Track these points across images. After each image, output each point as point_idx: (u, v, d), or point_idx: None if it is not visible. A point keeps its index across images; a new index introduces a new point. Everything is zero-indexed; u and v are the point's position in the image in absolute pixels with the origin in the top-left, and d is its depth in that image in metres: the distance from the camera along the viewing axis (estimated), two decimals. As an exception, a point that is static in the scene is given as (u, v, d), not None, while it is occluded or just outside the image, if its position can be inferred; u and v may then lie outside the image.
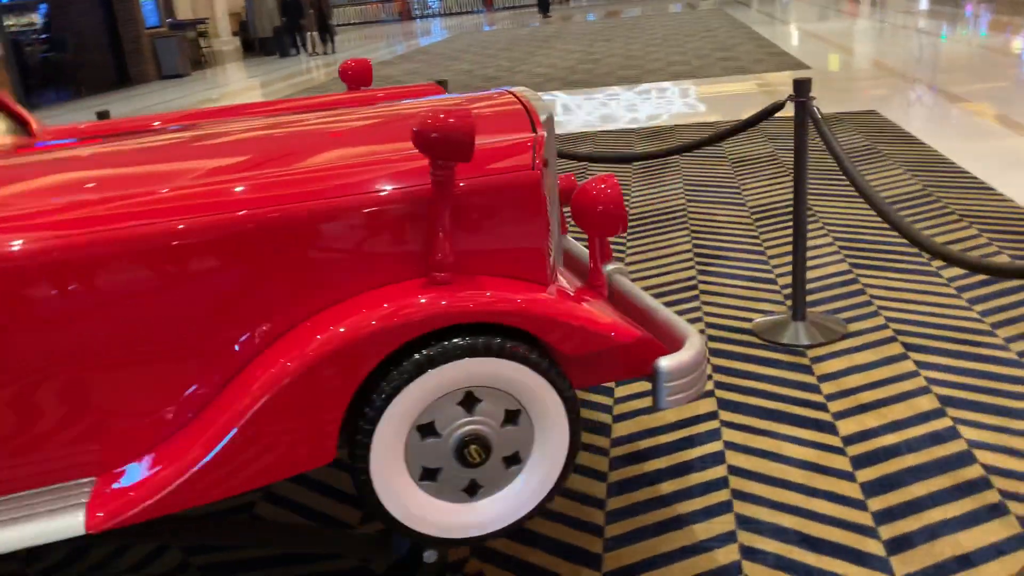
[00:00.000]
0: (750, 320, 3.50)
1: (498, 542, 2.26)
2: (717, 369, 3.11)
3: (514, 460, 1.73)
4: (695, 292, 3.84)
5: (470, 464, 1.65)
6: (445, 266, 1.63)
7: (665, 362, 1.81)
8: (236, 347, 1.59)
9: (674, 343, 1.93)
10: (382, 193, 1.63)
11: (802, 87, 3.06)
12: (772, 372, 3.05)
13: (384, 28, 31.08)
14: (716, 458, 2.57)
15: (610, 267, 2.33)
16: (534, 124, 2.07)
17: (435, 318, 1.56)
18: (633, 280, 4.03)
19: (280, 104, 2.71)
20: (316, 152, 1.71)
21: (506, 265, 1.73)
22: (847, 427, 2.67)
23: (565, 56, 14.77)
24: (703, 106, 8.64)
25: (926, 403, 2.76)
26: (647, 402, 2.93)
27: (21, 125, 2.69)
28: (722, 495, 2.40)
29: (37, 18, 20.44)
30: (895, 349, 3.14)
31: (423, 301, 1.57)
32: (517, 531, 2.28)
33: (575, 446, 1.75)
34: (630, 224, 4.94)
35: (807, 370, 3.04)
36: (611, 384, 3.07)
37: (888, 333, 3.27)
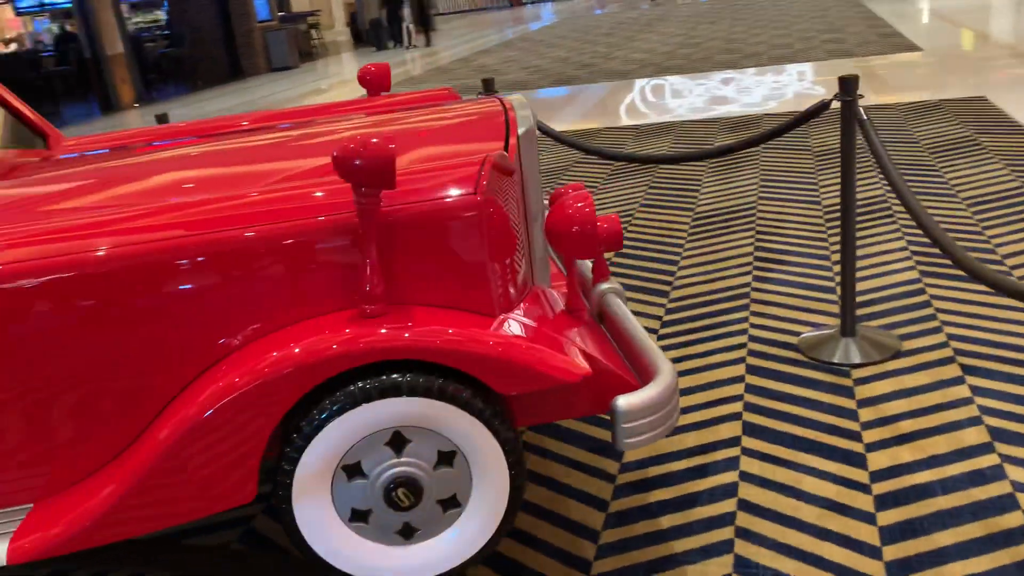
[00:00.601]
0: (798, 334, 3.27)
1: (478, 570, 2.17)
2: (749, 389, 2.91)
3: (452, 503, 1.63)
4: (745, 301, 3.62)
5: (400, 508, 1.57)
6: (375, 298, 1.54)
7: (623, 401, 1.67)
8: (162, 382, 1.55)
9: (648, 376, 1.79)
10: (308, 222, 1.56)
11: (848, 85, 2.82)
12: (808, 394, 2.83)
13: (493, 15, 31.14)
14: (727, 491, 2.39)
15: (604, 287, 2.20)
16: (508, 137, 1.96)
17: (351, 356, 1.48)
18: (683, 286, 3.85)
19: (274, 115, 2.68)
20: (246, 178, 1.66)
21: (449, 296, 1.63)
22: (878, 460, 2.45)
23: (665, 40, 14.39)
24: (793, 93, 8.22)
25: (973, 436, 2.50)
26: (667, 423, 2.77)
27: (40, 136, 2.76)
28: (725, 533, 2.23)
29: (161, 15, 21.45)
30: (951, 371, 2.86)
31: (342, 337, 1.49)
32: (501, 560, 2.19)
33: (517, 489, 1.64)
34: (693, 224, 4.73)
35: (847, 393, 2.81)
36: (634, 402, 2.92)
37: (947, 353, 2.99)
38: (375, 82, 2.96)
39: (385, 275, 1.59)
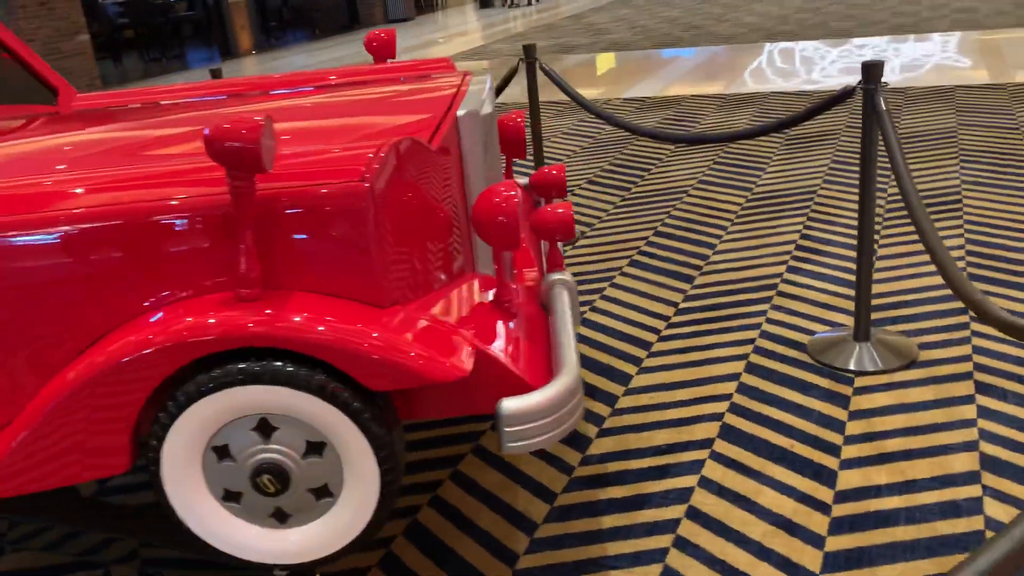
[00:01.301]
0: (814, 334, 3.09)
1: (402, 551, 2.17)
2: (741, 389, 2.78)
3: (325, 492, 1.62)
4: (770, 293, 3.45)
5: (267, 493, 1.58)
6: (250, 282, 1.53)
7: (507, 404, 1.61)
8: (47, 353, 1.60)
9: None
10: (190, 200, 1.56)
11: (872, 71, 2.60)
12: (801, 400, 2.68)
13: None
14: (681, 496, 2.30)
15: (553, 277, 2.13)
16: (449, 111, 1.91)
17: (206, 341, 1.47)
18: (712, 272, 3.69)
19: (255, 82, 2.69)
20: (130, 154, 1.67)
21: (336, 284, 1.61)
22: (849, 479, 2.29)
23: (784, 4, 13.71)
24: (898, 68, 7.69)
25: (962, 463, 2.31)
26: (644, 418, 2.68)
27: (51, 91, 2.85)
28: (663, 541, 2.14)
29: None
30: (963, 389, 2.65)
31: (203, 320, 1.49)
32: (430, 540, 2.19)
33: (389, 484, 1.61)
34: (745, 206, 4.52)
35: (842, 402, 2.64)
36: (617, 391, 2.83)
37: (966, 367, 2.76)
38: (381, 49, 2.93)
39: (268, 259, 1.58)
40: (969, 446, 2.38)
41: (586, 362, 3.06)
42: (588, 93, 8.07)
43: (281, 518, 1.64)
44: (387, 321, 1.57)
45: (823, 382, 2.77)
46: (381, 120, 1.91)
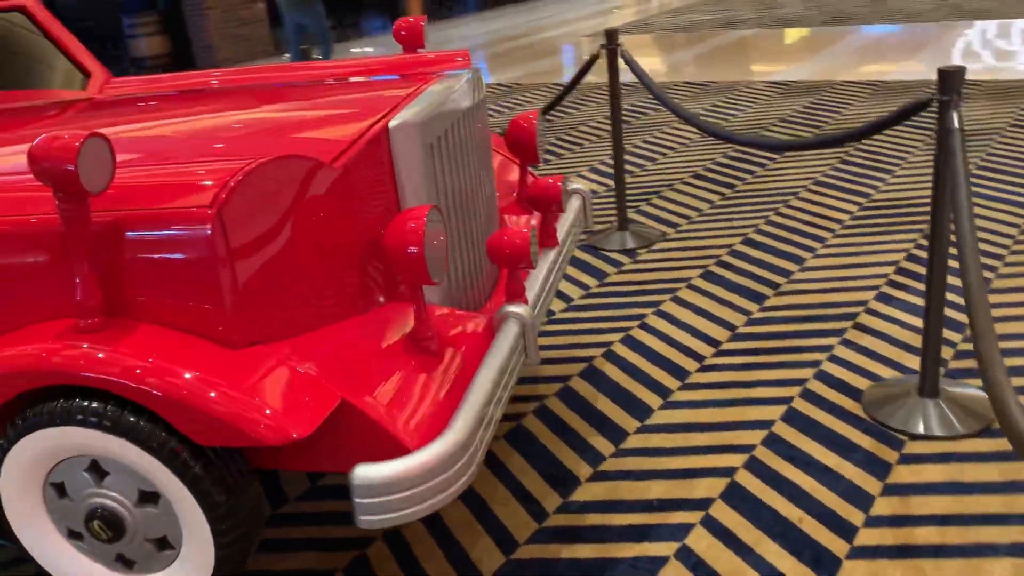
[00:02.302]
0: (879, 380, 2.66)
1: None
2: (769, 440, 2.42)
3: (167, 544, 1.49)
4: (846, 325, 3.01)
5: (100, 539, 1.46)
6: (89, 311, 1.41)
7: (361, 472, 1.42)
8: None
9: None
10: (27, 221, 1.45)
11: (950, 80, 2.15)
12: (833, 463, 2.30)
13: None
14: (651, 566, 2.02)
15: (507, 309, 1.89)
16: (378, 122, 1.72)
17: (25, 375, 1.36)
18: (790, 292, 3.28)
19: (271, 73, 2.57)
20: None
21: (187, 319, 1.46)
22: (855, 572, 1.93)
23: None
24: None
25: (1004, 570, 1.88)
26: (646, 464, 2.39)
27: (84, 75, 2.86)
28: (610, 619, 1.88)
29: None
30: (1038, 472, 2.18)
31: (27, 353, 1.38)
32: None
33: (226, 547, 1.45)
34: (855, 215, 4.01)
35: (882, 471, 2.24)
36: (630, 427, 2.55)
37: (1051, 443, 2.27)
38: (409, 38, 2.75)
39: (117, 287, 1.45)
40: (1018, 551, 1.94)
41: (610, 387, 2.78)
42: (729, 75, 7.54)
43: (127, 564, 1.53)
44: (231, 367, 1.41)
45: (867, 442, 2.37)
46: (289, 134, 1.74)
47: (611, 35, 3.72)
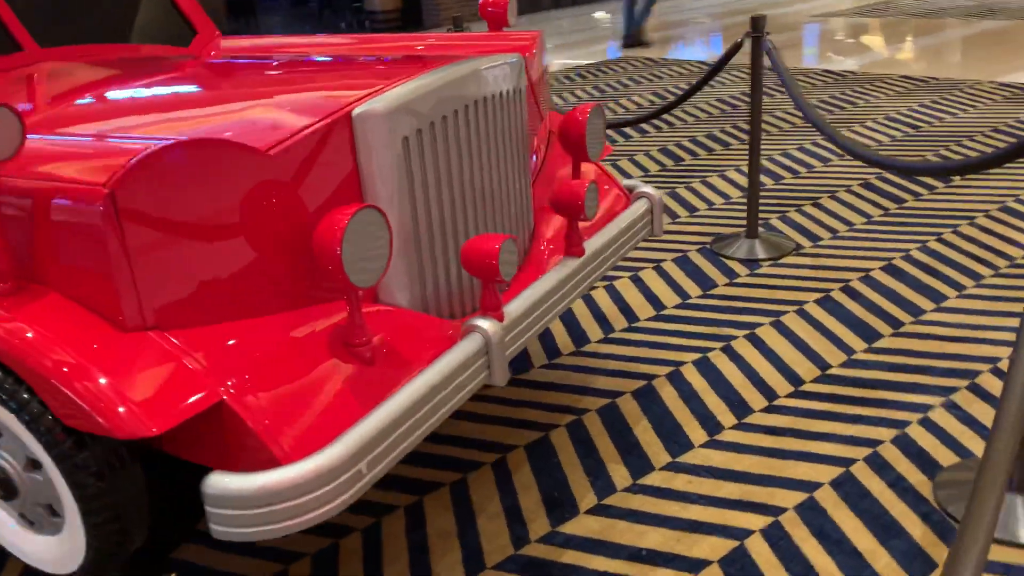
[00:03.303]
0: (969, 456, 2.24)
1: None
2: (803, 507, 2.10)
3: (55, 511, 1.50)
4: (960, 383, 2.56)
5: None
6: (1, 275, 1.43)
7: (214, 480, 1.34)
8: None
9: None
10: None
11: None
12: (866, 547, 1.96)
13: None
14: (606, 624, 1.82)
15: (474, 322, 1.75)
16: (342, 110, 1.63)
17: None
18: (910, 335, 2.83)
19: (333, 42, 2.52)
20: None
21: (89, 295, 1.44)
22: None
23: None
24: None
25: None
26: (657, 507, 2.16)
27: (192, 32, 2.97)
28: (536, 675, 1.71)
29: None
30: (1124, 614, 1.73)
31: None
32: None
33: (97, 527, 1.43)
34: (984, 229, 3.41)
35: (923, 570, 1.88)
36: (658, 461, 2.32)
37: None
38: (494, 15, 2.61)
39: (32, 254, 1.46)
40: None
41: (658, 413, 2.54)
42: (957, 71, 6.68)
43: (30, 523, 1.56)
44: (110, 350, 1.38)
45: (919, 532, 2.00)
46: (241, 116, 1.66)
47: (757, 22, 3.36)
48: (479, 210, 1.97)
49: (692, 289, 3.35)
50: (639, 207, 2.42)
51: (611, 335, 3.04)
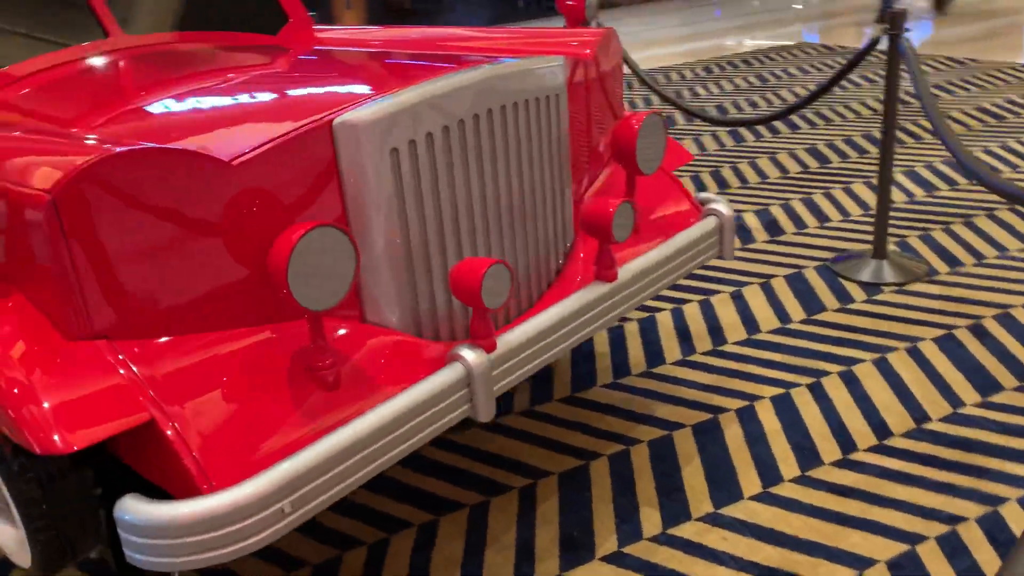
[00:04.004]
0: (1074, 553, 1.88)
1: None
2: (844, 587, 1.83)
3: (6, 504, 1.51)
4: (1085, 458, 2.16)
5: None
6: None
7: (125, 503, 1.30)
8: None
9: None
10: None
11: None
12: (906, 650, 1.68)
13: None
14: None
15: (458, 350, 1.63)
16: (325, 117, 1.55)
17: None
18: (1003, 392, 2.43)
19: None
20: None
21: (41, 299, 1.42)
22: None
23: None
24: None
25: None
26: (670, 559, 1.95)
27: (283, 20, 2.97)
28: None
29: None
30: None
31: None
32: None
33: (36, 533, 1.42)
34: None
35: None
36: (700, 509, 2.10)
37: None
38: (571, 9, 2.44)
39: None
40: None
41: (714, 454, 2.31)
42: None
43: (6, 514, 1.59)
44: (47, 359, 1.36)
45: (979, 641, 1.69)
46: (219, 123, 1.59)
47: (895, 17, 2.96)
48: (490, 228, 1.82)
49: (796, 312, 3.04)
50: (703, 226, 2.19)
51: (690, 357, 2.80)
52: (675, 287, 3.31)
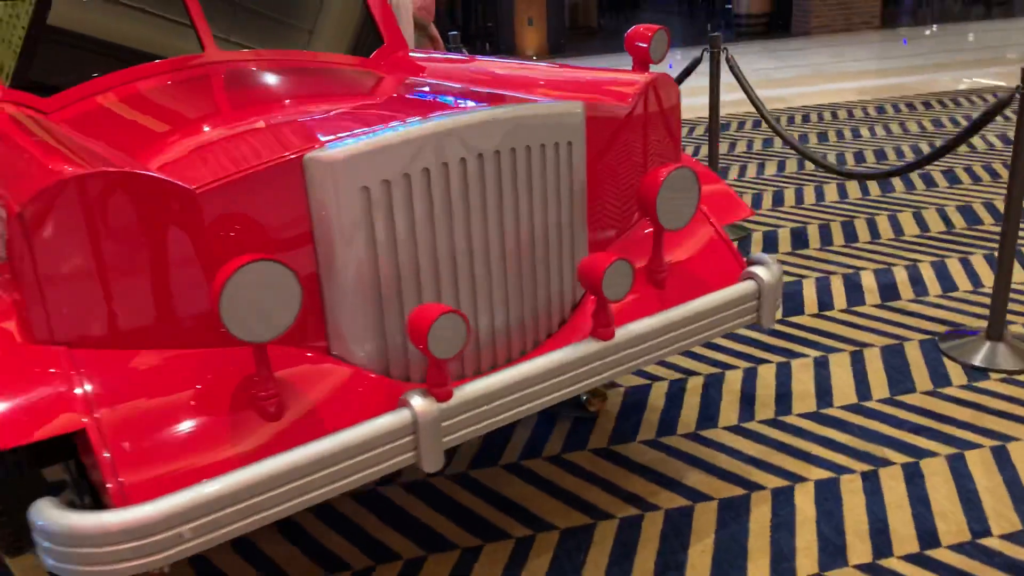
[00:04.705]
0: None
1: None
2: None
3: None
4: None
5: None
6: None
7: (39, 506, 1.36)
8: None
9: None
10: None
11: None
12: None
13: None
14: None
15: (407, 396, 1.61)
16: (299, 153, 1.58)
17: None
18: None
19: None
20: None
21: (17, 300, 1.52)
22: None
23: None
24: None
25: None
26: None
27: (378, 42, 3.05)
28: None
29: None
30: None
31: None
32: None
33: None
34: None
35: None
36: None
37: None
38: (639, 51, 2.33)
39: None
40: None
41: (729, 534, 2.14)
42: None
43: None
44: (2, 359, 1.46)
45: None
46: (204, 151, 1.63)
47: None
48: (475, 273, 1.77)
49: (879, 389, 2.77)
50: (734, 291, 2.04)
51: (745, 423, 2.62)
52: (754, 343, 3.11)
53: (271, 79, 2.37)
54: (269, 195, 1.57)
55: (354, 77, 2.49)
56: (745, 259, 2.23)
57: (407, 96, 2.11)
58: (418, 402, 1.58)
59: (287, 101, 2.05)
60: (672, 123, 2.24)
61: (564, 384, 1.77)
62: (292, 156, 1.57)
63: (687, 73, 4.21)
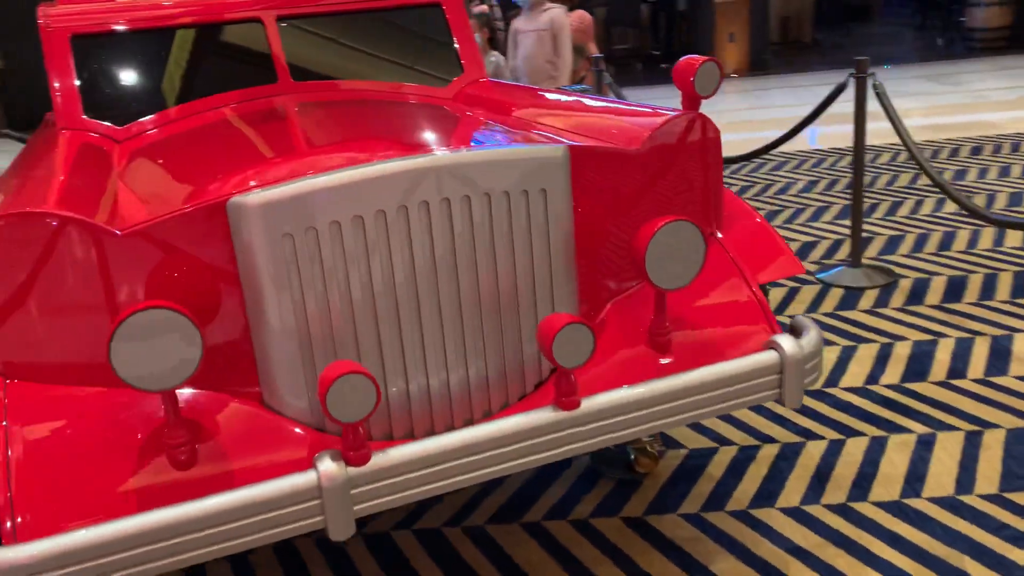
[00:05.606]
0: None
1: None
2: None
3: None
4: None
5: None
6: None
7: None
8: None
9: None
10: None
11: None
12: None
13: None
14: None
15: (318, 458, 1.53)
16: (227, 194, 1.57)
17: None
18: None
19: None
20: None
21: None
22: None
23: None
24: None
25: None
26: None
27: (452, 73, 3.00)
28: None
29: None
30: None
31: None
32: None
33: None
34: None
35: None
36: None
37: None
38: (687, 85, 2.09)
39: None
40: None
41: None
42: None
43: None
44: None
45: None
46: (145, 191, 1.62)
47: None
48: (424, 327, 1.64)
49: (985, 484, 2.34)
50: (753, 362, 1.77)
51: (806, 506, 2.30)
52: (851, 409, 2.73)
53: (319, 114, 2.37)
54: (196, 238, 1.54)
55: (405, 111, 2.44)
56: (789, 321, 1.94)
57: (426, 134, 2.03)
58: (326, 465, 1.48)
59: (316, 137, 2.04)
60: (702, 168, 1.99)
61: (512, 455, 1.61)
62: (215, 201, 1.54)
63: (829, 101, 3.81)
